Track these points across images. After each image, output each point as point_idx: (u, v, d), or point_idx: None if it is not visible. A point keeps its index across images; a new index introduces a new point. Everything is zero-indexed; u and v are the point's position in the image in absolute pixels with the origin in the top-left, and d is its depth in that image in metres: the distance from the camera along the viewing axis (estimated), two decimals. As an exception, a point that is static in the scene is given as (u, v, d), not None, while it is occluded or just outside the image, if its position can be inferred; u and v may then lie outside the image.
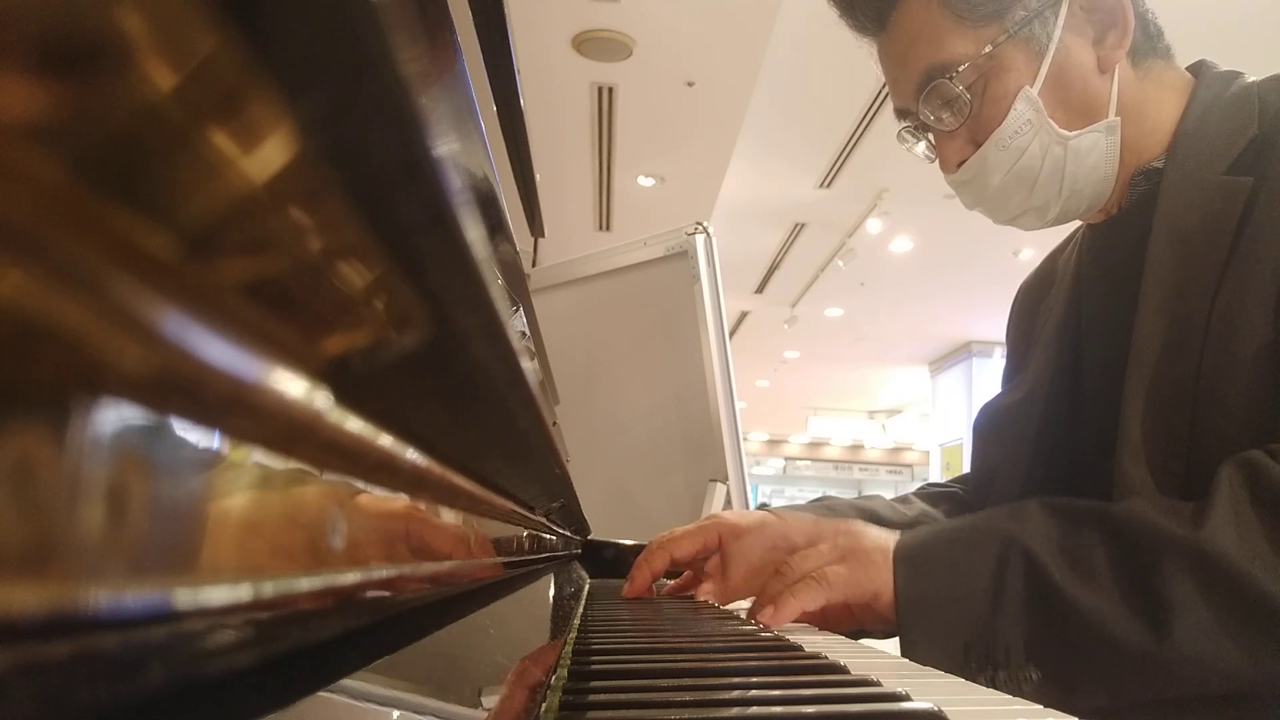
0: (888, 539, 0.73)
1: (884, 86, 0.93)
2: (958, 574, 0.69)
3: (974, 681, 0.66)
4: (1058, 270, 0.96)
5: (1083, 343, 0.88)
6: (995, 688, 0.66)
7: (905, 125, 0.87)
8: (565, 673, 0.41)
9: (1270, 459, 0.63)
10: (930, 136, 0.85)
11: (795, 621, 0.79)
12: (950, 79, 0.79)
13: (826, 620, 0.78)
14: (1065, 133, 0.79)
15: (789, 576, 0.72)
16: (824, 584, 0.70)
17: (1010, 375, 1.00)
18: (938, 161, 0.86)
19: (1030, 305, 1.00)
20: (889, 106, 0.90)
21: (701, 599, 0.86)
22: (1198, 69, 0.83)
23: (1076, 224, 0.95)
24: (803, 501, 0.99)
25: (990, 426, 0.96)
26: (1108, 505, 0.69)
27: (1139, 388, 0.73)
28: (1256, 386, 0.67)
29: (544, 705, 0.34)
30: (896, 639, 0.71)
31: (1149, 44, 0.81)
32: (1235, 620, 0.60)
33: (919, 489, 1.04)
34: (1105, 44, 0.79)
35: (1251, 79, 0.79)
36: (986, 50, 0.78)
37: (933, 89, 0.80)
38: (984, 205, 0.86)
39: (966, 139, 0.82)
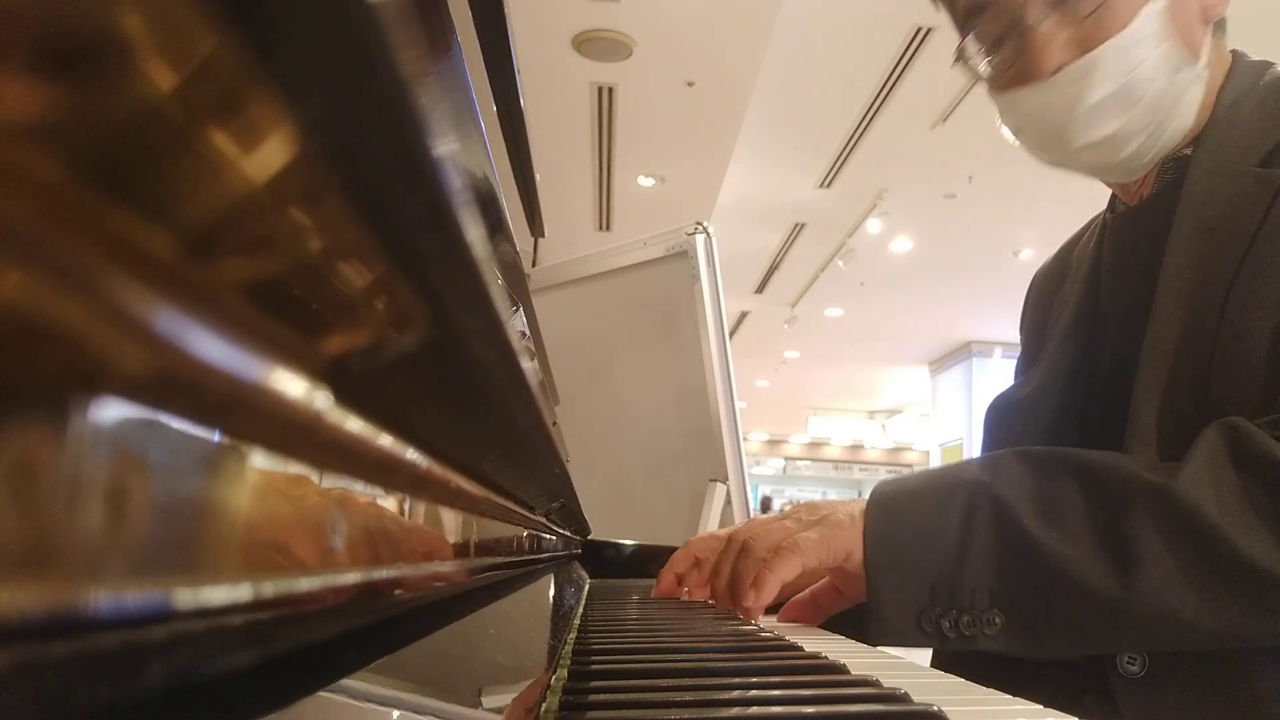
0: (857, 503, 0.73)
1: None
2: (927, 518, 0.69)
3: (938, 624, 0.67)
4: (1073, 261, 0.94)
5: (1099, 334, 0.87)
6: (959, 631, 0.66)
7: (980, 22, 0.78)
8: (565, 673, 0.41)
9: (1255, 427, 0.63)
10: (1011, 43, 0.76)
11: (791, 615, 0.79)
12: None
13: (819, 606, 0.78)
14: (1182, 58, 0.75)
15: (756, 551, 0.72)
16: (796, 551, 0.70)
17: (1024, 368, 0.98)
18: (1012, 70, 0.77)
19: (1045, 297, 0.98)
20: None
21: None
22: (1232, 55, 0.82)
23: (1089, 216, 0.95)
24: (802, 501, 0.99)
25: (1001, 419, 0.95)
26: (1084, 453, 0.69)
27: (1152, 373, 0.73)
28: (1266, 371, 0.67)
29: (544, 705, 0.34)
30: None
31: (1221, 18, 0.79)
32: (1202, 572, 0.60)
33: None
34: None
35: None
36: None
37: None
38: (1073, 118, 0.76)
39: (1069, 43, 0.75)
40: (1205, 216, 0.74)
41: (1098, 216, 0.93)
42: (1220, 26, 0.79)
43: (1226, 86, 0.78)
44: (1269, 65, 0.79)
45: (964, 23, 0.80)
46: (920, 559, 0.68)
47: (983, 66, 0.80)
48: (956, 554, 0.67)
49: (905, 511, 0.70)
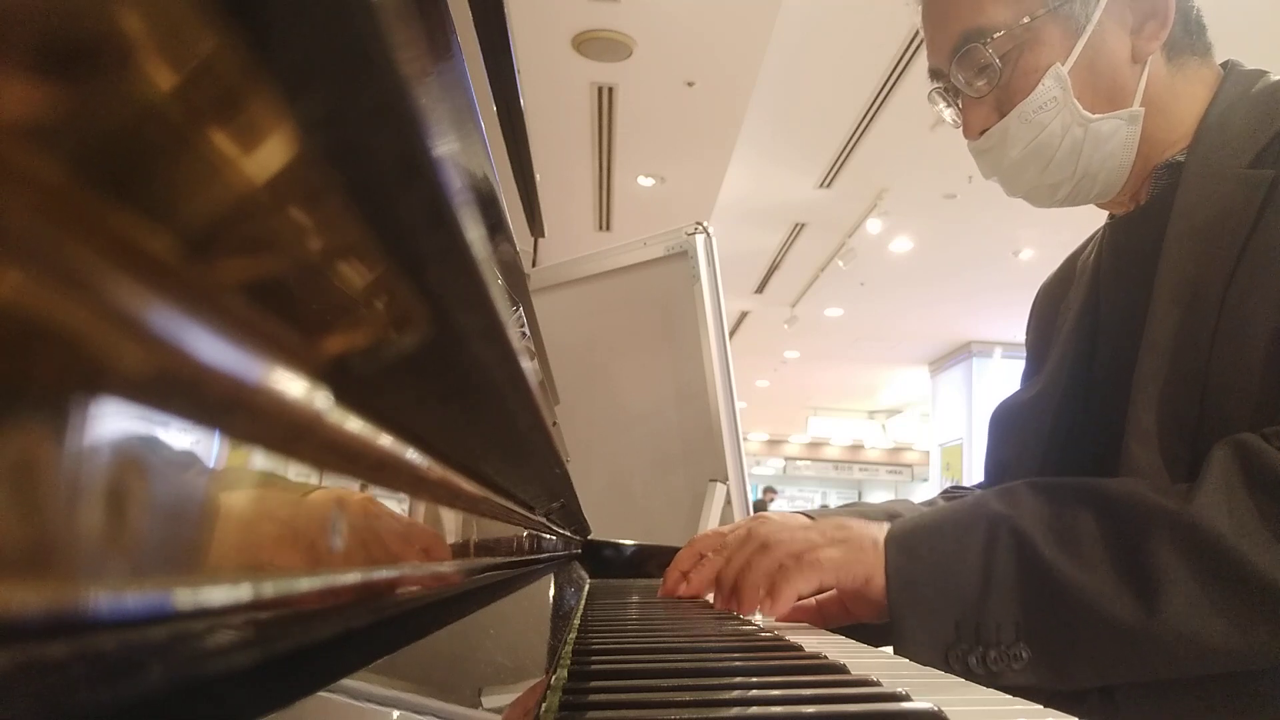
0: (878, 529, 0.73)
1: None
2: (948, 554, 0.69)
3: (965, 661, 0.67)
4: (1077, 270, 0.96)
5: (1100, 337, 0.88)
6: (986, 667, 0.66)
7: (937, 86, 0.87)
8: (565, 673, 0.41)
9: (1265, 441, 0.63)
10: (959, 101, 0.86)
11: (793, 619, 0.79)
12: (985, 44, 0.80)
13: (823, 616, 0.78)
14: (1088, 114, 0.80)
15: (775, 553, 0.72)
16: (819, 567, 0.70)
17: (1029, 375, 1.00)
18: (961, 127, 0.87)
19: (1049, 306, 1.00)
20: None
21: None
22: (1225, 67, 0.83)
23: (1097, 226, 0.95)
24: (803, 501, 0.99)
25: (1005, 423, 0.96)
26: (1097, 482, 0.69)
27: (1150, 374, 0.74)
28: (1264, 372, 0.67)
29: (544, 705, 0.34)
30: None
31: (1187, 40, 0.82)
32: (1225, 595, 0.60)
33: (943, 491, 1.04)
34: (1142, 34, 0.80)
35: (1277, 77, 0.79)
36: (1025, 21, 0.79)
37: (967, 52, 0.81)
38: (999, 175, 0.86)
39: (992, 107, 0.83)
40: (1198, 219, 0.75)
41: (1101, 226, 0.94)
42: (1191, 48, 0.82)
43: (1218, 96, 0.80)
44: (1263, 74, 0.81)
45: (931, 80, 0.89)
46: (944, 596, 0.68)
47: (948, 115, 0.89)
48: (980, 589, 0.67)
49: (926, 548, 0.70)
